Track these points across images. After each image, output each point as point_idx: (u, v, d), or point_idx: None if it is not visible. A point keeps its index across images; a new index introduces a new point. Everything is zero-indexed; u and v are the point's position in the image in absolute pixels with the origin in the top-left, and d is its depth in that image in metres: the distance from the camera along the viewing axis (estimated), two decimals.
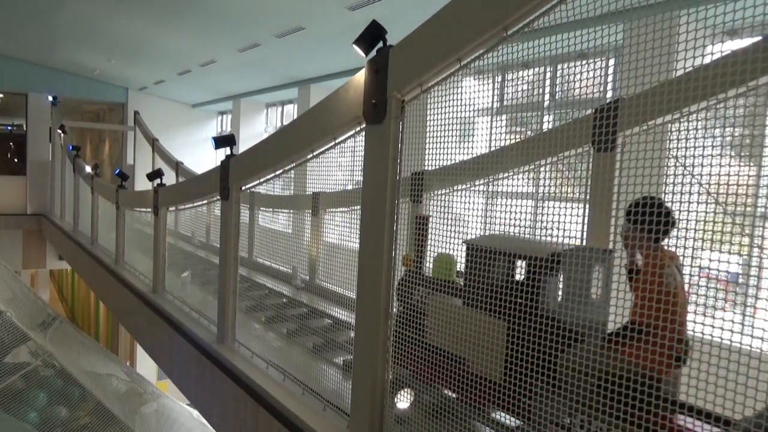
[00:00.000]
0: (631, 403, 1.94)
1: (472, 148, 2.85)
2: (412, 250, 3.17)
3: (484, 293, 2.53)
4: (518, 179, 2.97)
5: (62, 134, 13.33)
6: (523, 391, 2.33)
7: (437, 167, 2.79)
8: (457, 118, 2.65)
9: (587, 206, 2.86)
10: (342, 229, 4.14)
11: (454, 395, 2.74)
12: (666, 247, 2.35)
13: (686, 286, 2.28)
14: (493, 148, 2.80)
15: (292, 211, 5.63)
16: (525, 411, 2.35)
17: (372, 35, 2.92)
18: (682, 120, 2.20)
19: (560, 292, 2.46)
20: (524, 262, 2.48)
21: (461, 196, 2.83)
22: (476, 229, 2.66)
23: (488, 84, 2.59)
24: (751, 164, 2.11)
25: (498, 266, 2.58)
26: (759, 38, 2.00)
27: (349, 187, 3.72)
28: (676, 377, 2.29)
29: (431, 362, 2.78)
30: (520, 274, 2.52)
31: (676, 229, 1.96)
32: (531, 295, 2.35)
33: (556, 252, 2.36)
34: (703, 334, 1.79)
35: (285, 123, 14.35)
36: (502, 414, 2.58)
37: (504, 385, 2.42)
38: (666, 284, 2.16)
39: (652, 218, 2.07)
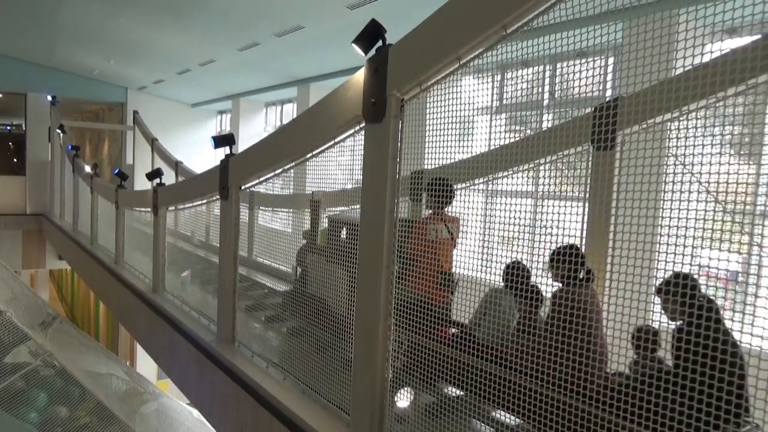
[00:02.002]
0: (418, 318, 2.67)
1: (472, 146, 2.85)
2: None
3: (334, 252, 3.44)
4: (518, 178, 2.98)
5: (61, 134, 13.31)
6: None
7: (436, 165, 2.79)
8: (456, 117, 2.65)
9: (587, 204, 2.86)
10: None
11: (320, 330, 3.62)
12: (452, 214, 3.31)
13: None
14: (492, 147, 2.80)
15: (291, 210, 5.63)
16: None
17: (371, 34, 2.92)
18: (681, 118, 2.21)
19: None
20: (345, 227, 3.50)
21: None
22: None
23: (488, 83, 2.59)
24: (751, 162, 2.11)
25: (337, 232, 3.58)
26: (758, 36, 2.00)
27: (349, 187, 3.72)
28: (448, 302, 3.09)
29: (315, 307, 3.67)
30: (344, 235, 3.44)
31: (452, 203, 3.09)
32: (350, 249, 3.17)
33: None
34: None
35: (284, 122, 14.34)
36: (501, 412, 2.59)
37: (348, 315, 3.20)
38: (429, 236, 3.15)
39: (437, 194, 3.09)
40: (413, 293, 2.88)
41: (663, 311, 2.29)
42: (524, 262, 2.65)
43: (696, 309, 1.86)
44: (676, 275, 2.02)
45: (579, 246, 2.62)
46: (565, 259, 2.52)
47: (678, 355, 2.00)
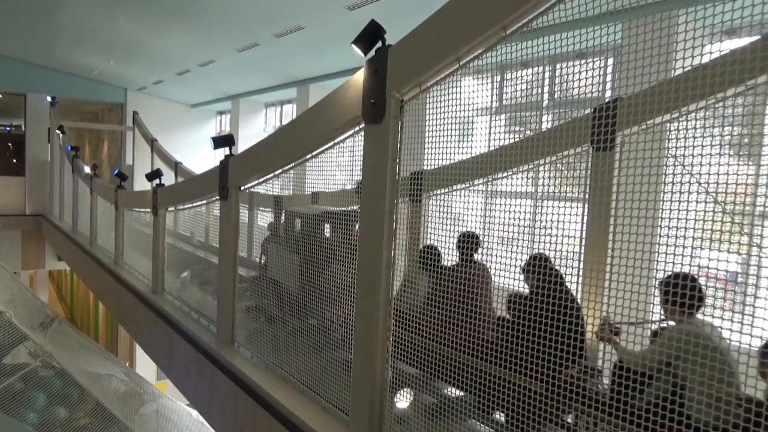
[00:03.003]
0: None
1: (471, 147, 2.85)
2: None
3: (288, 239, 4.09)
4: (517, 178, 2.98)
5: (61, 135, 13.30)
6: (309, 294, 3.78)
7: (436, 166, 2.80)
8: (456, 117, 2.65)
9: (586, 205, 2.86)
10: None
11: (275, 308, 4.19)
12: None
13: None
14: (492, 148, 2.80)
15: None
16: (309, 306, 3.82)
17: (371, 35, 2.92)
18: (680, 119, 2.21)
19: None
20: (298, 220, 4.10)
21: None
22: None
23: (487, 84, 2.59)
24: (750, 163, 2.11)
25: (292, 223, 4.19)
26: (757, 37, 2.01)
27: (349, 187, 3.72)
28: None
29: (274, 288, 4.27)
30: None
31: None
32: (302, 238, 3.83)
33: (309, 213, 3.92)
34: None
35: (284, 123, 14.34)
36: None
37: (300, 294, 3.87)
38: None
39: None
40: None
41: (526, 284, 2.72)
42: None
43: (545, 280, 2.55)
44: (534, 257, 2.64)
45: (478, 236, 3.10)
46: (464, 245, 3.15)
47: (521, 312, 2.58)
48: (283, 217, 4.46)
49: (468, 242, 3.14)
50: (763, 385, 2.06)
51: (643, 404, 2.17)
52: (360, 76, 2.98)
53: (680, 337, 2.11)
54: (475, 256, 3.26)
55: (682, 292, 2.14)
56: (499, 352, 2.53)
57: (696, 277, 2.17)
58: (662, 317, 2.48)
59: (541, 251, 2.63)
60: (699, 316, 2.38)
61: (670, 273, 2.06)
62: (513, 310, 2.86)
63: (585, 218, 2.84)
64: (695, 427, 1.93)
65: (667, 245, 1.93)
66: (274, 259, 4.48)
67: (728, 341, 1.85)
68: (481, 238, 2.99)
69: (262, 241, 5.27)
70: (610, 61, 2.83)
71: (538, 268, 2.60)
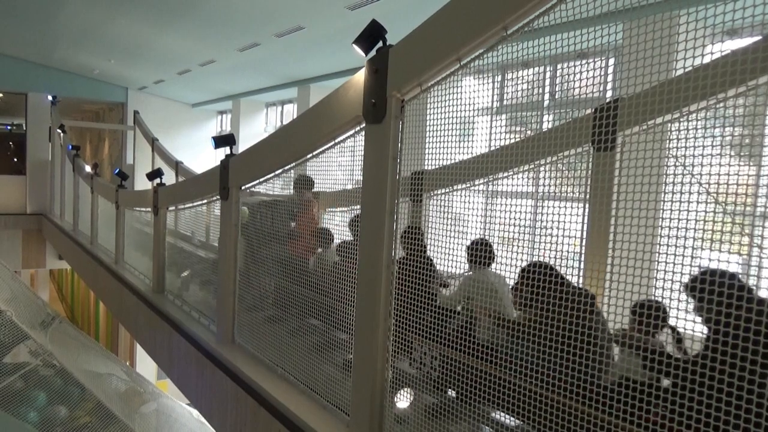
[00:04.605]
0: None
1: (472, 147, 2.85)
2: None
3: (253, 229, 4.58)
4: (518, 178, 2.98)
5: (62, 134, 13.31)
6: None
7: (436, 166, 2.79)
8: (456, 117, 2.65)
9: (587, 205, 2.86)
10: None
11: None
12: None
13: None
14: (492, 148, 2.80)
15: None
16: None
17: (372, 35, 2.92)
18: (681, 120, 2.20)
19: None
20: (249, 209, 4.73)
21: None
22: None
23: (488, 83, 2.59)
24: (751, 164, 2.11)
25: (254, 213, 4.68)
26: (759, 38, 2.00)
27: (349, 187, 3.72)
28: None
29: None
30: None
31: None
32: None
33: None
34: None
35: (285, 123, 14.34)
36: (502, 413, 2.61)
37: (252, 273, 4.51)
38: (303, 214, 4.34)
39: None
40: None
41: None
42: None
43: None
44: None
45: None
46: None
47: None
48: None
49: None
50: None
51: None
52: (361, 76, 2.98)
53: (469, 282, 3.14)
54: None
55: (477, 252, 2.98)
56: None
57: (489, 243, 2.97)
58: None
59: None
60: (492, 269, 3.14)
61: (474, 239, 2.95)
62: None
63: (585, 218, 2.84)
64: (483, 345, 2.57)
65: (668, 245, 1.92)
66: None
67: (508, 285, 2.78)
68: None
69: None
70: (611, 61, 2.83)
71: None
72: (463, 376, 2.59)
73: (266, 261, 4.40)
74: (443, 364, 2.80)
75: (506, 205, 2.56)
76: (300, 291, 3.97)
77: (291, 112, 14.21)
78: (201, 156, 15.33)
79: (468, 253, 3.05)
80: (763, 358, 1.65)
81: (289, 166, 3.98)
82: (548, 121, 3.11)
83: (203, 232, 6.33)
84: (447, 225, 2.85)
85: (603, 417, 2.05)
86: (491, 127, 2.69)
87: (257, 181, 4.42)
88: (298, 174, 4.05)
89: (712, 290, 1.74)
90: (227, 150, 4.86)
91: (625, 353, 2.58)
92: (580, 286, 2.57)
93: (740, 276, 2.01)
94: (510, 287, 2.86)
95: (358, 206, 3.12)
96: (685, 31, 1.87)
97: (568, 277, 2.55)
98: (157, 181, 6.75)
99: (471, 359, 2.58)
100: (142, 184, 9.10)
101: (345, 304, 3.33)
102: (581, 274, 2.82)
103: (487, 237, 2.91)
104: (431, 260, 2.89)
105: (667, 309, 2.31)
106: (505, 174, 2.99)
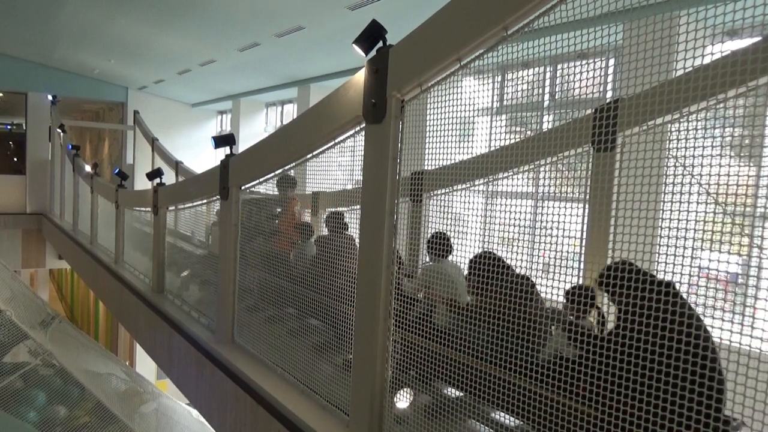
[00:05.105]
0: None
1: (472, 147, 2.85)
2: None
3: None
4: (518, 179, 2.98)
5: (62, 133, 13.31)
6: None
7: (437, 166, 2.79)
8: (457, 117, 2.65)
9: (587, 205, 2.86)
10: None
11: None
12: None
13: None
14: (492, 148, 2.80)
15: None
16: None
17: (372, 35, 2.92)
18: (681, 120, 2.20)
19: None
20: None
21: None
22: None
23: (488, 84, 2.59)
24: (751, 164, 2.11)
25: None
26: (759, 38, 2.00)
27: (349, 187, 3.73)
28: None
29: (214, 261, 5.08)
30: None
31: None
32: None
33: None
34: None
35: (285, 123, 14.34)
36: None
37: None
38: (285, 214, 4.58)
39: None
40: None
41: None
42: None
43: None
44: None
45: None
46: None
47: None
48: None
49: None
50: None
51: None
52: (361, 76, 2.98)
53: (428, 272, 3.37)
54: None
55: (437, 246, 3.20)
56: None
57: (448, 236, 3.09)
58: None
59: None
60: (450, 259, 3.30)
61: (433, 232, 3.16)
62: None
63: (585, 219, 2.84)
64: (440, 330, 2.72)
65: (668, 246, 1.93)
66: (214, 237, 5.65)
67: (463, 272, 2.96)
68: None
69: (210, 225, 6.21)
70: (612, 61, 2.83)
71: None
72: (422, 358, 2.78)
73: (252, 255, 4.63)
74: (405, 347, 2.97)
75: (506, 205, 2.56)
76: (280, 283, 4.19)
77: (291, 112, 14.21)
78: (201, 156, 15.33)
79: (427, 246, 3.37)
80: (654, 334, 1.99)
81: (289, 166, 3.98)
82: (548, 122, 3.11)
83: (203, 231, 6.33)
84: (447, 225, 2.85)
85: (538, 390, 2.30)
86: (491, 127, 2.69)
87: (257, 181, 4.42)
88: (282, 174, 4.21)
89: (616, 278, 2.12)
90: (227, 150, 4.86)
91: (557, 332, 2.79)
92: (523, 273, 2.65)
93: (638, 265, 2.19)
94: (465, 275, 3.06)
95: (359, 206, 3.12)
96: (686, 31, 1.88)
97: (515, 267, 2.65)
98: (157, 180, 6.75)
99: (429, 342, 2.78)
100: (141, 183, 9.10)
101: (320, 294, 3.57)
102: (581, 274, 2.82)
103: (486, 237, 2.90)
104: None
105: (595, 293, 2.61)
106: (505, 174, 2.99)
